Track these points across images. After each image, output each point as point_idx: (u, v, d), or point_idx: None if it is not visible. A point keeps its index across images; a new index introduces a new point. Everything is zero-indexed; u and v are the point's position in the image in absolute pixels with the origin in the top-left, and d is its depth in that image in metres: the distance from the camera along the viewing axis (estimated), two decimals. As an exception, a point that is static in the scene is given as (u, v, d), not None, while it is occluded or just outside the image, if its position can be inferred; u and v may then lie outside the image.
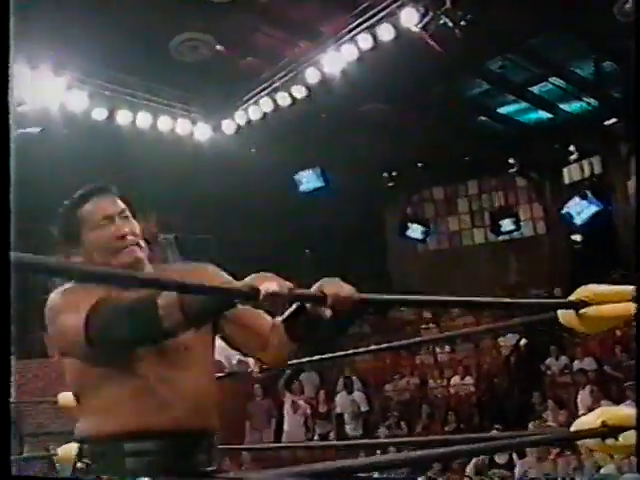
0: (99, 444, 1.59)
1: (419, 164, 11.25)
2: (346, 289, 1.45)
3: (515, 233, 11.49)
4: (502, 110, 10.12)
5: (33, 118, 7.09)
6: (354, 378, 9.80)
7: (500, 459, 7.33)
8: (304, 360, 2.84)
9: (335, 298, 1.43)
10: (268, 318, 1.74)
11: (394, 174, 11.53)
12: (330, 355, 3.10)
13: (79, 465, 1.61)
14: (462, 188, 12.57)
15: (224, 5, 6.74)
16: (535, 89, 9.46)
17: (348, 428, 9.29)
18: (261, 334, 1.72)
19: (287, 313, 1.65)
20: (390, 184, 11.63)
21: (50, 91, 7.01)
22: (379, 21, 6.87)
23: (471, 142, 10.40)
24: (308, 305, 1.58)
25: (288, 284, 1.38)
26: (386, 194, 12.02)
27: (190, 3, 6.76)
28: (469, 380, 9.56)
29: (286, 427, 9.33)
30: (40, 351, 9.25)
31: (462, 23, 6.41)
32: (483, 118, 10.32)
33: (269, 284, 1.35)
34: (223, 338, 1.78)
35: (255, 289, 1.35)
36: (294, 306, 1.62)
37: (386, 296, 1.64)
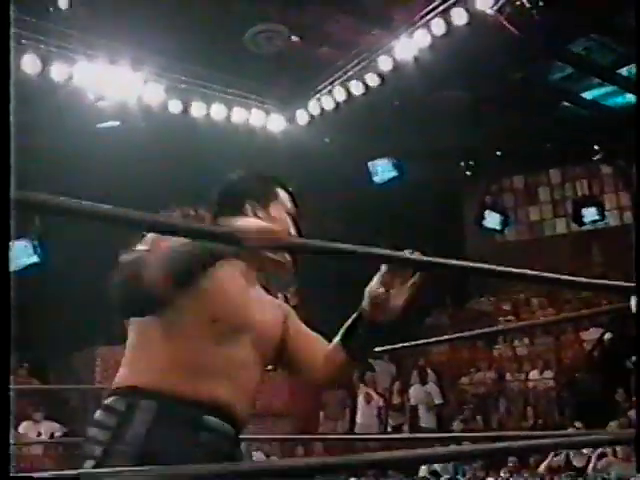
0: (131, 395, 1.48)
1: (498, 152, 10.93)
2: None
3: (599, 223, 11.01)
4: (586, 95, 9.66)
5: (112, 112, 7.33)
6: (429, 370, 9.67)
7: (577, 462, 7.01)
8: (378, 350, 2.80)
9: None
10: (324, 343, 1.67)
11: (472, 163, 11.25)
12: (405, 344, 3.05)
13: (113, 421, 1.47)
14: (543, 177, 12.16)
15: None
16: (623, 71, 8.98)
17: (422, 421, 9.18)
18: (313, 363, 1.65)
19: (344, 328, 1.57)
20: (468, 173, 11.36)
21: (128, 85, 7.20)
22: (452, 5, 6.67)
23: (553, 129, 9.99)
24: (365, 311, 1.52)
25: (284, 226, 1.27)
26: (464, 184, 11.76)
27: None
28: (549, 374, 9.26)
29: (359, 418, 9.32)
30: (123, 337, 9.58)
31: (540, 3, 6.14)
32: (566, 103, 9.89)
33: (255, 225, 1.21)
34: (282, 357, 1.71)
35: (237, 231, 1.13)
36: (350, 319, 1.56)
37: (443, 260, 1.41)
